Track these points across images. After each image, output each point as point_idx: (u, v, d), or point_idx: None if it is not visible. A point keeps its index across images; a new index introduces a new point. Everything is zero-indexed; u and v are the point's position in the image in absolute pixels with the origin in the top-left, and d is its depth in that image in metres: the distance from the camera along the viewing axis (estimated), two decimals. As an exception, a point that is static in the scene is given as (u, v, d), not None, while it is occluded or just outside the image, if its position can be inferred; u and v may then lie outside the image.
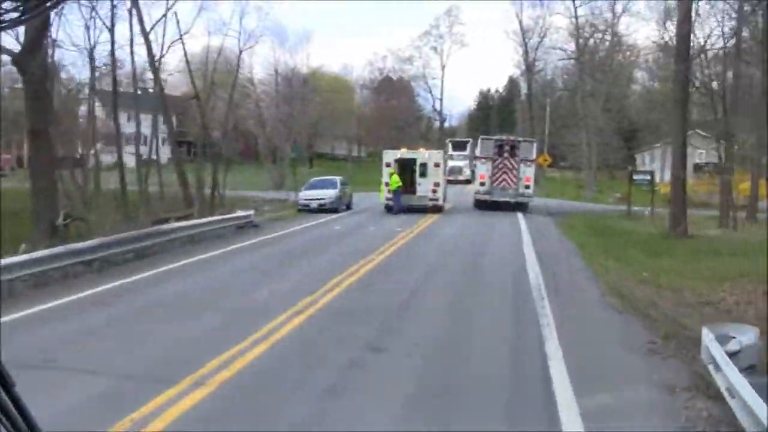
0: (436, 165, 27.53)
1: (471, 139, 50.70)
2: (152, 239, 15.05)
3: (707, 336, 6.12)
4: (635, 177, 30.11)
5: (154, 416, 5.29)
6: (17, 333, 7.70)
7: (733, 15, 23.14)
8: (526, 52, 60.86)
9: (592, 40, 56.81)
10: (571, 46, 57.09)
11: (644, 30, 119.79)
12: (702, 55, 22.99)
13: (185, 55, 33.33)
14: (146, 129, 37.55)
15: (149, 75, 33.41)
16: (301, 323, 8.56)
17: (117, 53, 32.49)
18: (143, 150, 34.77)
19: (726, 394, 5.23)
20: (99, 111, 38.41)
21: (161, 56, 31.22)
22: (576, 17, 54.81)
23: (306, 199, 28.27)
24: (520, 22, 60.29)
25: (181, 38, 32.01)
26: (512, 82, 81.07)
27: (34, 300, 9.76)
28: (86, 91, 35.83)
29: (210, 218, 20.39)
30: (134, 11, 29.06)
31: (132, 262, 13.54)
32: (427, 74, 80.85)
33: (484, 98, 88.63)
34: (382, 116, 68.90)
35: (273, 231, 20.50)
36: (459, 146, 52.58)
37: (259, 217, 23.39)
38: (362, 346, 7.51)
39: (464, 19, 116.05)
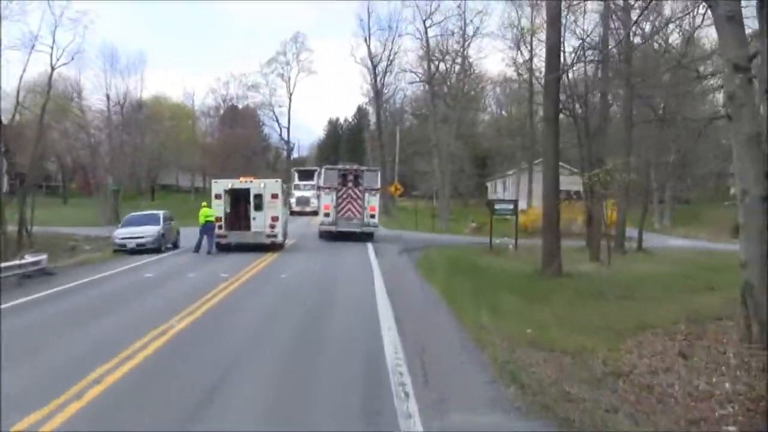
0: (274, 196, 23.40)
1: (318, 168, 47.11)
2: None
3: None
4: (497, 207, 28.02)
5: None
6: None
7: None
8: (375, 76, 58.65)
9: (442, 65, 55.69)
10: (422, 70, 55.94)
11: (497, 55, 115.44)
12: (566, 75, 20.90)
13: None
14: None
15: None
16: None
17: None
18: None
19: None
20: None
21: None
22: (426, 38, 53.54)
23: (122, 238, 24.43)
24: (368, 46, 58.20)
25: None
26: (361, 111, 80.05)
27: None
28: None
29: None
30: None
31: None
32: (274, 102, 78.40)
33: (334, 127, 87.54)
34: (227, 145, 66.95)
35: (69, 281, 16.45)
36: (306, 175, 48.24)
37: (67, 260, 20.74)
38: None
39: (312, 45, 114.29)
